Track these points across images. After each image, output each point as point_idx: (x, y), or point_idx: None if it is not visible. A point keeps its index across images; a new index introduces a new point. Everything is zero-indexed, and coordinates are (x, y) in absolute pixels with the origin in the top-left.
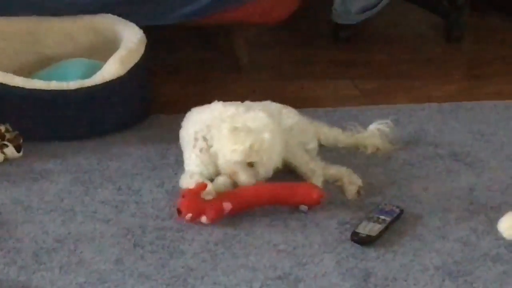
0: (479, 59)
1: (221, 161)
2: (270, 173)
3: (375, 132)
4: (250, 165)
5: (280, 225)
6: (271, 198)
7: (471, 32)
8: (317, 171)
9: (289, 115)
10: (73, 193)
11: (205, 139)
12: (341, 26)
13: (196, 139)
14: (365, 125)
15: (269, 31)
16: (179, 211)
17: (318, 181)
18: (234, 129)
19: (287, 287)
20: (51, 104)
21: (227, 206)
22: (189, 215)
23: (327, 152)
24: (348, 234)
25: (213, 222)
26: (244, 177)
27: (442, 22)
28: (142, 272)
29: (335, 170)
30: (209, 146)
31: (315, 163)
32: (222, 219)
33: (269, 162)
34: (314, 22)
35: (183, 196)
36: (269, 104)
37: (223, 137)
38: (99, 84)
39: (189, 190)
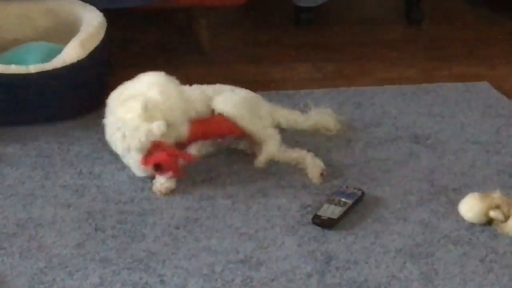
0: (439, 41)
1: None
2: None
3: (330, 113)
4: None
5: (241, 208)
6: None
7: (431, 14)
8: (273, 135)
9: (242, 89)
10: (33, 178)
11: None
12: (302, 8)
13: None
14: (326, 108)
15: (231, 14)
16: (157, 166)
17: (275, 144)
18: (122, 102)
19: (248, 270)
20: (10, 88)
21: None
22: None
23: (288, 135)
24: (310, 217)
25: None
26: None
27: (403, 5)
28: (103, 257)
29: (297, 154)
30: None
31: (270, 129)
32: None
33: (178, 115)
34: (276, 5)
35: (154, 151)
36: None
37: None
38: (59, 68)
39: (156, 144)
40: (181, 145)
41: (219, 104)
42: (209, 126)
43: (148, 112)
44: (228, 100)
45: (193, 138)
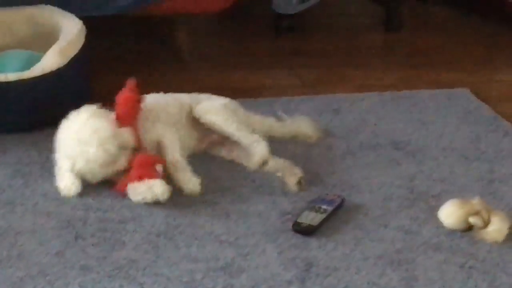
0: (419, 48)
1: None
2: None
3: (306, 120)
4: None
5: (221, 215)
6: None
7: (410, 21)
8: (260, 139)
9: (219, 97)
10: (13, 186)
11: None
12: (281, 16)
13: None
14: (306, 116)
15: (211, 22)
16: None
17: (265, 146)
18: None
19: (229, 277)
20: None
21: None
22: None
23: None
24: (290, 224)
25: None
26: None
27: (382, 12)
28: (83, 265)
29: (275, 162)
30: None
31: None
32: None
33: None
34: (255, 12)
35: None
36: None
37: None
38: (38, 76)
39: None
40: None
41: (202, 112)
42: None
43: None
44: (211, 107)
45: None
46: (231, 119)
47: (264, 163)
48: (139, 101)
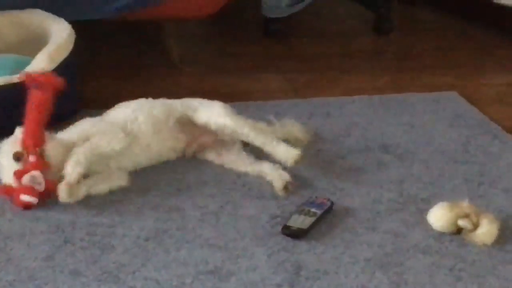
0: (409, 51)
1: None
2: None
3: (296, 124)
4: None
5: (211, 219)
6: None
7: (400, 25)
8: (269, 135)
9: (211, 101)
10: None
11: None
12: (271, 19)
13: None
14: (296, 119)
15: (200, 26)
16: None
17: (283, 174)
18: None
19: (218, 281)
20: None
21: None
22: None
23: (255, 147)
24: (279, 227)
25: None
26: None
27: (372, 15)
28: (73, 269)
29: (262, 166)
30: None
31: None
32: None
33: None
34: (245, 16)
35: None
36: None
37: None
38: None
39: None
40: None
41: (207, 118)
42: None
43: None
44: (215, 112)
45: None
46: (241, 120)
47: (287, 186)
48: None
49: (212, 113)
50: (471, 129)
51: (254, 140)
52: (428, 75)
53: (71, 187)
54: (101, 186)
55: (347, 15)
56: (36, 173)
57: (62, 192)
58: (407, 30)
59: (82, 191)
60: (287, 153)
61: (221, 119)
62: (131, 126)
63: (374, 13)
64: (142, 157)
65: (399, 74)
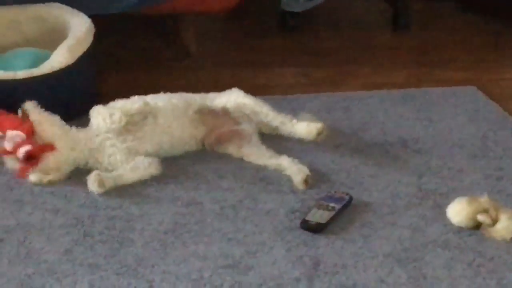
0: (427, 46)
1: None
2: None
3: (312, 118)
4: None
5: (229, 213)
6: None
7: (418, 19)
8: (287, 121)
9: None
10: (22, 184)
11: None
12: (289, 13)
13: None
14: (314, 114)
15: (217, 19)
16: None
17: (303, 168)
18: None
19: (237, 275)
20: None
21: None
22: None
23: (274, 140)
24: (298, 222)
25: None
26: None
27: (390, 9)
28: (91, 262)
29: (281, 160)
30: None
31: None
32: None
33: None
34: (262, 10)
35: None
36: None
37: None
38: (47, 74)
39: None
40: None
41: (226, 100)
42: None
43: None
44: (235, 95)
45: None
46: (260, 101)
47: (307, 179)
48: None
49: (230, 97)
50: (490, 124)
51: (273, 119)
52: (447, 69)
53: (101, 176)
54: (130, 176)
55: (365, 10)
56: (12, 132)
57: (93, 182)
58: (425, 25)
59: (110, 182)
60: (308, 127)
61: (240, 99)
62: (150, 106)
63: (392, 7)
64: (164, 140)
65: (418, 68)
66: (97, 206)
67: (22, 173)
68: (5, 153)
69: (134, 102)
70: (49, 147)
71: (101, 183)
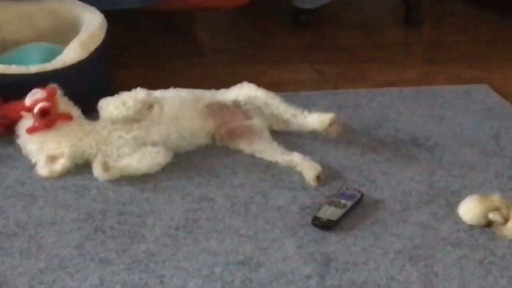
0: (439, 43)
1: None
2: None
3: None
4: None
5: (241, 209)
6: None
7: (431, 16)
8: (298, 113)
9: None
10: (33, 178)
11: None
12: (301, 10)
13: None
14: (325, 110)
15: (230, 16)
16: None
17: (314, 164)
18: None
19: (248, 271)
20: (10, 88)
21: None
22: None
23: (286, 137)
24: (309, 218)
25: None
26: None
27: (402, 7)
28: (103, 257)
29: (293, 156)
30: None
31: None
32: None
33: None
34: (274, 6)
35: None
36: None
37: None
38: (60, 68)
39: None
40: None
41: (237, 93)
42: None
43: None
44: (246, 87)
45: None
46: (271, 93)
47: (319, 176)
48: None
49: (241, 90)
50: (502, 122)
51: (285, 111)
52: (458, 67)
53: (106, 163)
54: (137, 165)
55: (377, 7)
56: (35, 89)
57: (97, 166)
58: (437, 22)
59: (116, 170)
60: (320, 118)
61: (252, 91)
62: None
63: (404, 4)
64: (171, 130)
65: (430, 66)
66: (109, 201)
67: (33, 129)
68: (23, 109)
69: (139, 93)
70: (66, 115)
71: (105, 165)
